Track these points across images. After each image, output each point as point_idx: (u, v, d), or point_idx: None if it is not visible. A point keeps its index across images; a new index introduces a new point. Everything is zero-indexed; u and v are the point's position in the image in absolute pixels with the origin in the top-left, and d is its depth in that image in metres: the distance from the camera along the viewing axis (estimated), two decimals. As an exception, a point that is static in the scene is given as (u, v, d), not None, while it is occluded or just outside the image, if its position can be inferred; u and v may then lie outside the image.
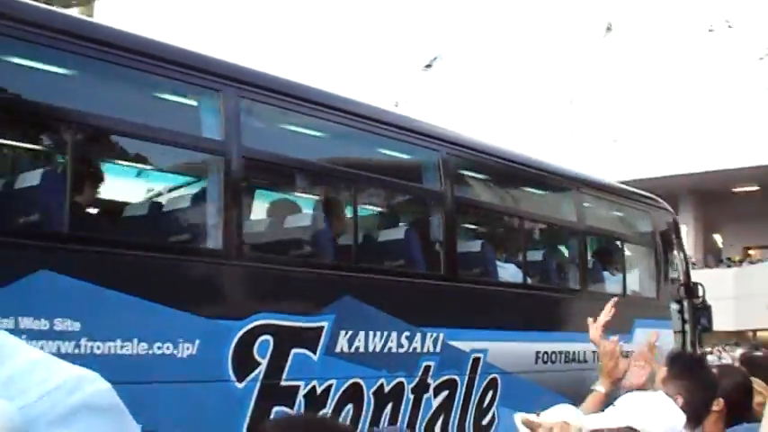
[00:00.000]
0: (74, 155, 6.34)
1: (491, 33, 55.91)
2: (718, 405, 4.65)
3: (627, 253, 13.41)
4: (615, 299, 5.79)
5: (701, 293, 14.45)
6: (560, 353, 10.49)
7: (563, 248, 12.50)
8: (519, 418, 3.45)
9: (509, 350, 9.60)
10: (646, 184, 45.23)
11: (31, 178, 6.47)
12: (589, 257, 11.96)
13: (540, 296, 10.93)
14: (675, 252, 14.30)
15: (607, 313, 5.55)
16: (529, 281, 10.74)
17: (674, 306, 13.97)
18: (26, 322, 5.43)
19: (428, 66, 59.79)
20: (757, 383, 5.43)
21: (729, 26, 52.37)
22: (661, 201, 14.27)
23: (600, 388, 4.67)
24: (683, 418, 3.71)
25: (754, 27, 47.36)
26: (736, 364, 7.53)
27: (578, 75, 51.56)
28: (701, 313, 14.42)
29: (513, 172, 10.73)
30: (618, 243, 13.42)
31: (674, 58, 48.67)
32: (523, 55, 54.56)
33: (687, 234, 49.62)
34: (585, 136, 48.71)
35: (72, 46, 6.18)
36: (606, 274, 12.52)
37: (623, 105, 48.76)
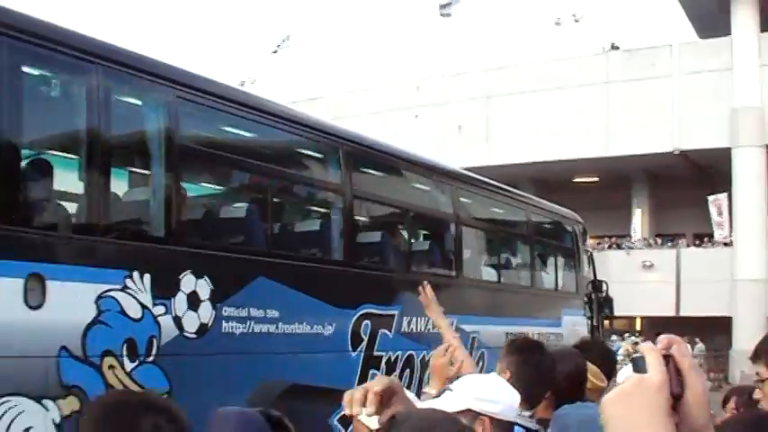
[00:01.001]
0: (272, 197, 10.06)
1: (340, 16, 55.80)
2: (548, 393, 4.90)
3: (558, 257, 17.52)
4: (426, 282, 6.44)
5: (604, 288, 18.88)
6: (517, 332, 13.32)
7: (517, 255, 16.39)
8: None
9: (491, 332, 12.98)
10: (490, 172, 45.88)
11: (242, 211, 9.93)
12: (535, 262, 16.31)
13: (510, 290, 15.23)
14: (585, 255, 18.34)
15: (428, 294, 6.27)
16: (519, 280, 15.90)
17: (585, 298, 18.08)
18: (254, 312, 8.70)
19: (277, 47, 59.22)
20: (589, 370, 5.69)
21: (576, 20, 53.23)
22: (575, 214, 18.53)
23: (431, 390, 4.55)
24: (517, 396, 3.80)
25: (600, 21, 48.19)
26: None
27: (424, 60, 51.68)
28: (604, 304, 18.78)
29: (472, 197, 14.22)
30: (551, 249, 17.46)
31: (522, 48, 49.21)
32: (372, 39, 54.56)
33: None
34: (431, 122, 48.75)
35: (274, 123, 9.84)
36: (544, 274, 16.73)
37: (468, 93, 49.02)
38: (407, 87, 52.17)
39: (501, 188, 15.49)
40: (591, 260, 18.95)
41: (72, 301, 6.89)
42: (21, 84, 6.96)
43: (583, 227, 18.57)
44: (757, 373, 3.70)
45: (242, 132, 9.77)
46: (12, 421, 6.19)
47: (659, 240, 48.19)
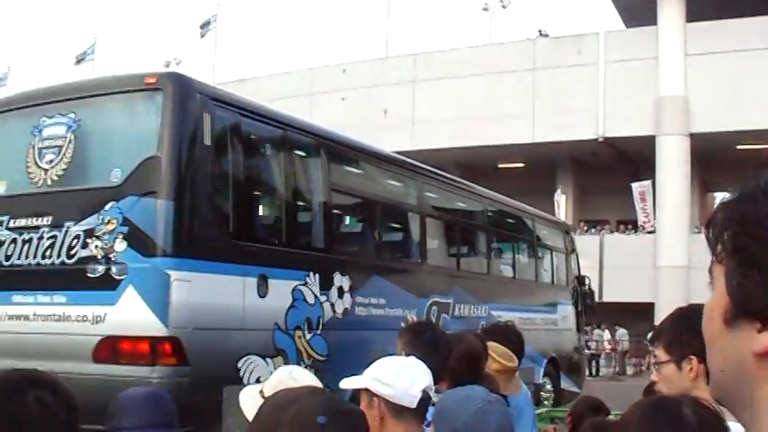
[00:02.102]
0: (378, 222, 13.64)
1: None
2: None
3: (554, 257, 20.88)
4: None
5: (587, 282, 22.64)
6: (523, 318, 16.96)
7: (526, 257, 20.01)
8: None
9: (509, 316, 15.18)
10: (415, 156, 45.59)
11: (364, 231, 14.16)
12: (540, 260, 20.14)
13: (523, 284, 18.83)
14: (573, 254, 21.95)
15: None
16: (517, 275, 18.77)
17: (572, 291, 21.44)
18: (372, 300, 12.04)
19: (204, 28, 58.20)
20: (494, 351, 6.30)
21: (503, 6, 53.10)
22: (566, 222, 23.92)
23: None
24: (422, 382, 3.90)
25: (527, 7, 48.12)
26: None
27: (352, 43, 51.12)
28: (586, 295, 22.38)
29: (475, 207, 17.66)
30: (549, 251, 20.81)
31: (449, 33, 48.92)
32: (300, 22, 53.86)
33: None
34: (358, 105, 48.31)
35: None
36: (543, 271, 20.27)
37: (395, 77, 48.77)
38: (334, 70, 51.76)
39: (517, 206, 19.75)
40: (576, 258, 22.30)
41: (281, 293, 10.19)
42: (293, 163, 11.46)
43: (570, 231, 23.40)
44: (655, 356, 3.84)
45: (364, 176, 13.70)
46: (251, 371, 9.30)
47: (584, 226, 48.09)
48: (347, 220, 14.74)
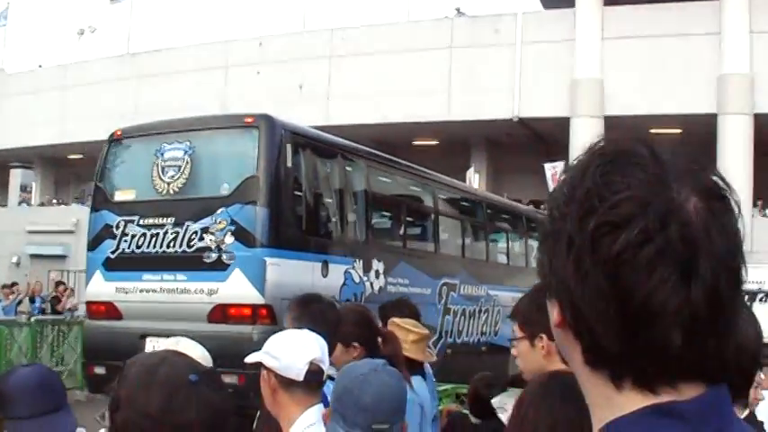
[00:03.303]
0: (404, 218, 18.08)
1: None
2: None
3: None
4: None
5: None
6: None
7: (520, 246, 23.91)
8: None
9: (505, 295, 19.40)
10: (330, 131, 44.84)
11: (394, 226, 18.26)
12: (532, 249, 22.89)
13: (510, 268, 22.38)
14: None
15: None
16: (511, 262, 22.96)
17: None
18: (399, 280, 15.82)
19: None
20: (406, 324, 6.62)
21: None
22: None
23: None
24: (310, 355, 3.95)
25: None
26: None
27: (268, 16, 50.22)
28: None
29: (478, 207, 21.99)
30: None
31: (366, 8, 48.08)
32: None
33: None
34: (273, 79, 47.39)
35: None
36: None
37: (311, 52, 47.90)
38: (250, 43, 50.74)
39: (510, 204, 25.75)
40: None
41: (337, 274, 13.66)
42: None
43: None
44: (513, 331, 3.92)
45: (394, 184, 17.69)
46: None
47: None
48: (381, 218, 17.81)
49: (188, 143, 13.37)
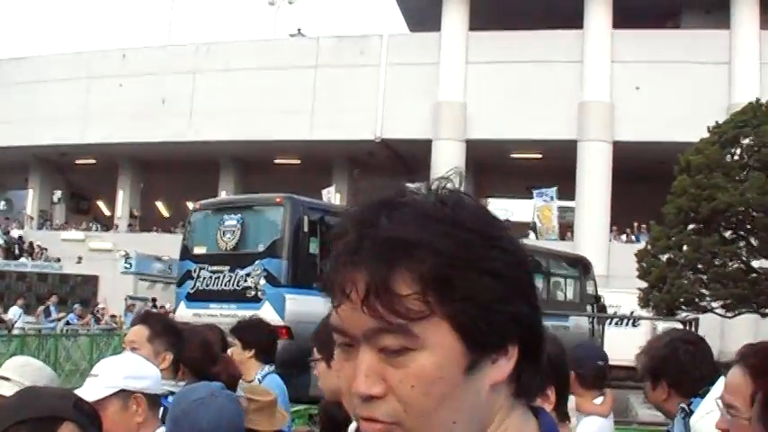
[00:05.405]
0: None
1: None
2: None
3: (567, 282, 28.51)
4: None
5: (601, 300, 29.17)
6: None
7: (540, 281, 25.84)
8: None
9: None
10: (191, 148, 42.99)
11: None
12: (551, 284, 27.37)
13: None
14: (589, 280, 29.11)
15: None
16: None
17: (589, 307, 28.23)
18: None
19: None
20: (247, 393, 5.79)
21: (290, 2, 51.29)
22: (584, 256, 30.31)
23: None
24: (157, 370, 3.89)
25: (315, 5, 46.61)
26: None
27: (133, 28, 48.29)
28: (600, 310, 28.55)
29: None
30: (563, 278, 28.45)
31: (234, 25, 46.78)
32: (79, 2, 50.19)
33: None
34: (136, 93, 45.54)
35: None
36: (559, 293, 27.93)
37: (175, 66, 46.18)
38: (114, 55, 48.60)
39: (535, 248, 28.04)
40: (594, 283, 29.36)
41: None
42: None
43: (587, 262, 29.56)
44: (314, 352, 4.02)
45: None
46: None
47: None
48: None
49: (240, 215, 19.30)
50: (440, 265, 1.28)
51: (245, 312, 16.96)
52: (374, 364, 1.31)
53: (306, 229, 18.50)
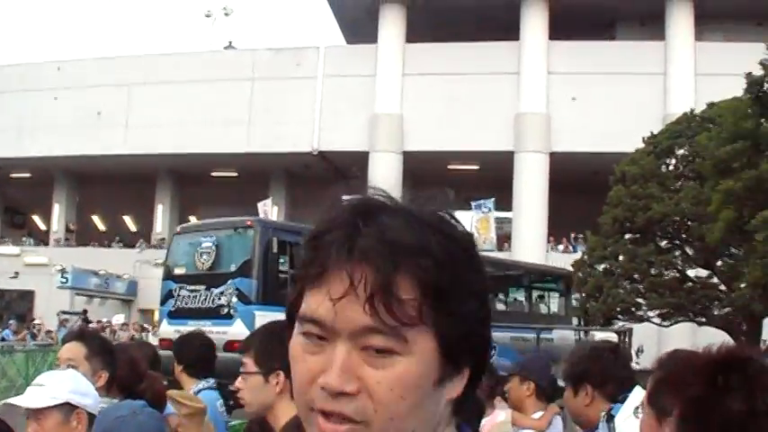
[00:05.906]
0: None
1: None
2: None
3: (551, 296, 29.32)
4: None
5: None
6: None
7: (523, 295, 28.21)
8: None
9: (501, 335, 21.22)
10: (128, 161, 42.19)
11: None
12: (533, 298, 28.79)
13: (508, 313, 25.05)
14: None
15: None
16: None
17: (575, 320, 28.05)
18: None
19: None
20: (179, 397, 5.67)
21: (227, 14, 50.86)
22: (567, 270, 29.14)
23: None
24: (87, 387, 3.81)
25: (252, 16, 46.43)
26: None
27: (67, 40, 47.51)
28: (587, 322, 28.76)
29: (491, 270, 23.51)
30: (548, 293, 29.48)
31: (170, 37, 46.30)
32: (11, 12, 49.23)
33: (162, 213, 47.28)
34: (71, 105, 44.97)
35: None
36: (542, 305, 29.10)
37: (110, 78, 45.32)
38: (49, 67, 47.73)
39: (519, 263, 29.88)
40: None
41: None
42: None
43: (569, 276, 28.82)
44: (243, 364, 3.78)
45: None
46: None
47: (295, 238, 46.20)
48: None
49: (213, 238, 20.18)
50: (439, 275, 1.29)
51: (220, 329, 17.54)
52: (351, 360, 1.30)
53: (275, 250, 19.40)
